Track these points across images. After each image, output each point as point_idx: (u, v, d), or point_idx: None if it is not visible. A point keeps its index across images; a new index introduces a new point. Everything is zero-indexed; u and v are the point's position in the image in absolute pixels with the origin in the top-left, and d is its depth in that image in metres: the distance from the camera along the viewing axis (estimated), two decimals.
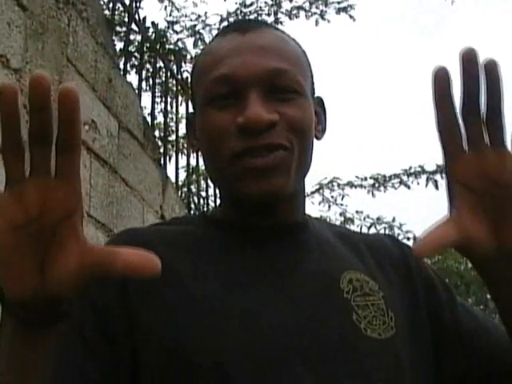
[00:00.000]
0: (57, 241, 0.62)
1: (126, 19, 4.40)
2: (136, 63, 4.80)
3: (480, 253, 0.73)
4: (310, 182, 6.80)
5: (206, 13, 5.83)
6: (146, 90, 4.62)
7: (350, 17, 5.86)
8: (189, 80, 4.92)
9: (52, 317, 0.66)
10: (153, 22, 4.99)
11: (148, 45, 4.48)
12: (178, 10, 5.83)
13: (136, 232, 0.96)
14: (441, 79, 0.70)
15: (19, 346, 0.67)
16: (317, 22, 5.87)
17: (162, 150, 4.08)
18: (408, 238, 6.81)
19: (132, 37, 4.63)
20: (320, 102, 1.00)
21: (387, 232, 6.72)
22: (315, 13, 5.86)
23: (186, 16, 5.83)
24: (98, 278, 0.63)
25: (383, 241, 1.01)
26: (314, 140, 0.94)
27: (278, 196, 0.88)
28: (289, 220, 0.94)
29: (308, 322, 0.84)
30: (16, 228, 0.61)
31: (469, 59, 0.69)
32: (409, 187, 6.53)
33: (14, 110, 0.57)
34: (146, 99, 4.39)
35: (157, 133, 4.63)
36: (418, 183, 6.47)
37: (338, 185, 6.81)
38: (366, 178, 6.69)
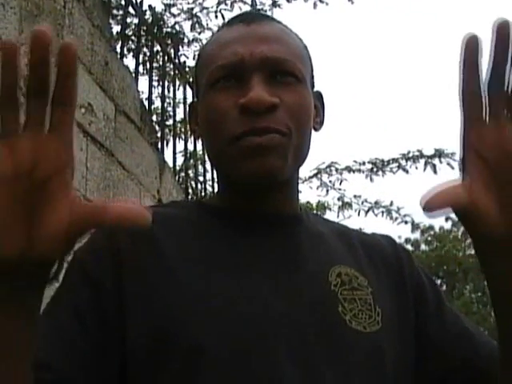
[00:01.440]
0: (47, 197, 0.61)
1: (123, 2, 4.36)
2: (133, 47, 4.77)
3: (484, 227, 0.71)
4: (308, 167, 6.79)
5: None
6: (143, 73, 4.59)
7: None
8: (186, 64, 4.90)
9: (38, 280, 0.64)
10: (150, 6, 4.95)
11: (145, 28, 4.45)
12: None
13: None
14: (470, 47, 0.70)
15: (3, 308, 0.64)
16: (315, 5, 5.83)
17: (159, 135, 4.06)
18: (406, 222, 6.82)
19: (129, 20, 4.60)
20: (319, 96, 1.02)
21: (385, 216, 6.73)
22: None
23: None
24: (87, 232, 0.63)
25: (379, 241, 1.02)
26: (312, 131, 0.96)
27: (274, 177, 0.89)
28: (281, 210, 0.95)
29: (292, 310, 0.85)
30: (7, 181, 0.60)
31: (501, 31, 0.69)
32: (407, 172, 6.52)
33: (14, 64, 0.58)
34: (143, 83, 4.37)
35: (154, 117, 4.61)
36: (417, 168, 6.47)
37: (336, 169, 6.79)
38: (364, 163, 6.68)
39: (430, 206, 0.67)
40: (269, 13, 5.57)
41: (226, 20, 1.06)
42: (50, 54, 0.59)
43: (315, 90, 1.00)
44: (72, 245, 0.62)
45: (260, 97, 0.87)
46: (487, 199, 0.71)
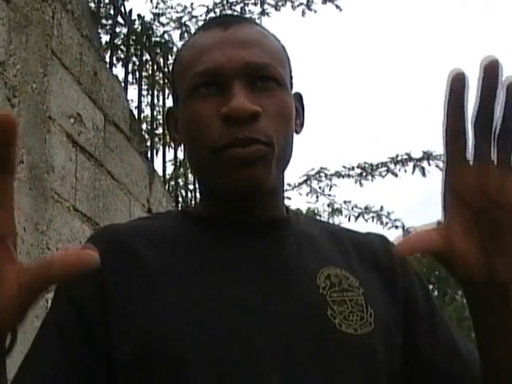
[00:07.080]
0: None
1: (112, 12, 4.37)
2: (122, 56, 4.78)
3: (462, 270, 0.69)
4: (298, 174, 6.80)
5: (192, 4, 5.80)
6: (133, 83, 4.60)
7: (337, 7, 5.84)
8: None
9: None
10: (139, 15, 4.97)
11: (134, 37, 4.45)
12: (163, 1, 5.80)
13: (111, 229, 0.97)
14: (456, 84, 0.66)
15: None
16: (303, 13, 5.85)
17: (149, 144, 4.06)
18: (396, 227, 6.83)
19: (118, 29, 4.61)
20: (299, 98, 1.01)
21: (375, 221, 6.74)
22: (301, 3, 5.85)
23: (171, 8, 5.80)
24: (37, 299, 0.59)
25: (373, 242, 1.01)
26: (294, 134, 0.95)
27: (258, 187, 0.89)
28: (267, 216, 0.94)
29: (276, 317, 0.84)
30: None
31: (490, 71, 0.65)
32: (396, 175, 6.54)
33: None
34: (132, 92, 4.37)
35: (144, 126, 4.62)
36: (405, 171, 6.49)
37: (326, 175, 6.80)
38: (353, 168, 6.69)
39: (401, 251, 0.65)
40: (258, 21, 5.60)
41: (202, 23, 1.03)
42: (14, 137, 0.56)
43: (295, 91, 0.99)
44: (24, 314, 0.59)
45: (242, 105, 0.85)
46: (466, 243, 0.68)
